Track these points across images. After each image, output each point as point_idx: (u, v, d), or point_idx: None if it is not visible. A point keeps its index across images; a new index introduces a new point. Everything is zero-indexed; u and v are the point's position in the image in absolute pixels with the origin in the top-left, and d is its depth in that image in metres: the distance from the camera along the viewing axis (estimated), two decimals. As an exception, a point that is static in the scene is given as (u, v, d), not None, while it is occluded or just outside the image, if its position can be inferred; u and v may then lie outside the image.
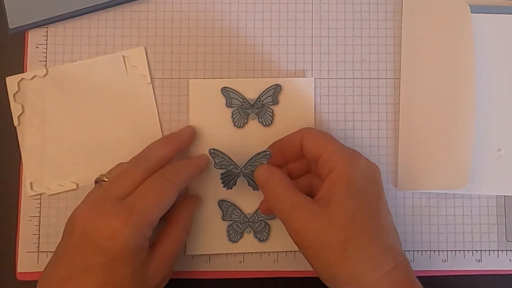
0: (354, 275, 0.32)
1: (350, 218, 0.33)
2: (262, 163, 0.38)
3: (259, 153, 0.38)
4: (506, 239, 0.41)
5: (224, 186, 0.39)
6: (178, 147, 0.38)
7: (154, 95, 0.41)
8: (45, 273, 0.33)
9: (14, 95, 0.41)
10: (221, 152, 0.38)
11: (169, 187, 0.35)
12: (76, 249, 0.32)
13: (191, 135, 0.40)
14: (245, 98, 0.41)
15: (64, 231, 0.34)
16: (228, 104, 0.41)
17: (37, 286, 0.33)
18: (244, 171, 0.38)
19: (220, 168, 0.39)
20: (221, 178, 0.39)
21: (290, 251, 0.40)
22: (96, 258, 0.32)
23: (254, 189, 0.39)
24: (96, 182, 0.36)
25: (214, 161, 0.38)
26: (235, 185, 0.39)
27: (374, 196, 0.35)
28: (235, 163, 0.39)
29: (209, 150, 0.38)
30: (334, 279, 0.34)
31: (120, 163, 0.38)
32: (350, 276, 0.33)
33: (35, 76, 0.41)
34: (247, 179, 0.39)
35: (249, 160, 0.38)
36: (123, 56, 0.41)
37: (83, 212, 0.33)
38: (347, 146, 0.37)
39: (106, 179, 0.36)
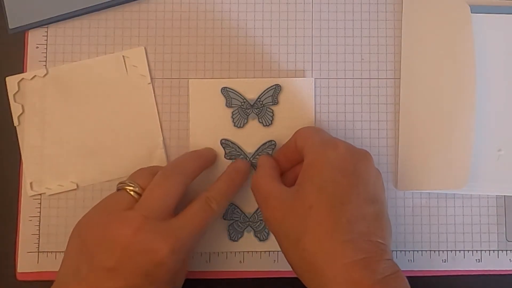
0: (309, 267, 0.32)
1: (309, 209, 0.33)
2: (268, 153, 0.40)
3: (265, 143, 0.40)
4: (506, 239, 0.41)
5: None
6: (205, 164, 0.39)
7: (154, 95, 0.41)
8: (72, 286, 0.32)
9: (14, 95, 0.41)
10: (231, 142, 0.40)
11: (213, 217, 0.36)
12: (117, 267, 0.32)
13: (214, 156, 0.40)
14: (245, 98, 0.41)
15: (91, 244, 0.33)
16: (228, 104, 0.41)
17: None
18: (253, 161, 0.40)
19: (230, 159, 0.40)
20: None
21: (290, 251, 0.40)
22: (139, 280, 0.32)
23: None
24: (120, 189, 0.35)
25: (225, 151, 0.40)
26: None
27: (345, 185, 0.33)
28: (244, 153, 0.40)
29: (220, 141, 0.40)
30: (294, 268, 0.34)
31: (142, 170, 0.37)
32: (306, 267, 0.33)
33: (35, 76, 0.41)
34: (255, 169, 0.40)
35: (257, 150, 0.40)
36: (123, 56, 0.41)
37: (127, 231, 0.32)
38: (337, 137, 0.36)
39: (135, 189, 0.35)
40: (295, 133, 0.38)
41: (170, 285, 0.34)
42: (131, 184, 0.35)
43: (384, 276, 0.31)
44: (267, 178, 0.36)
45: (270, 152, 0.40)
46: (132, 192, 0.35)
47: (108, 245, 0.32)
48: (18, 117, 0.41)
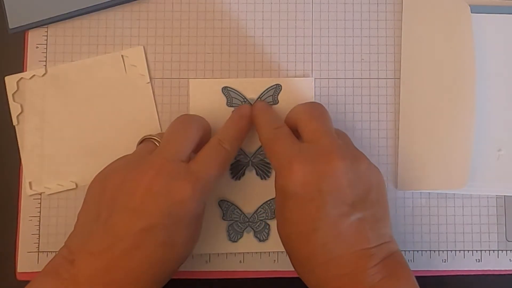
0: (303, 278, 0.35)
1: (288, 236, 0.34)
2: None
3: None
4: (506, 239, 0.41)
5: (233, 178, 0.40)
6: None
7: (154, 95, 0.41)
8: (92, 230, 0.32)
9: (13, 94, 0.41)
10: None
11: (227, 157, 0.36)
12: (139, 207, 0.32)
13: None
14: (245, 98, 0.41)
15: (112, 189, 0.33)
16: (229, 104, 0.41)
17: (76, 239, 0.33)
18: (253, 160, 0.40)
19: None
20: (229, 169, 0.40)
21: (290, 251, 0.40)
22: (161, 220, 0.32)
23: (262, 178, 0.40)
24: (142, 141, 0.37)
25: None
26: (243, 175, 0.40)
27: (312, 211, 0.32)
28: (244, 152, 0.40)
29: None
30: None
31: (161, 133, 0.38)
32: (300, 276, 0.35)
33: (34, 75, 0.41)
34: (255, 168, 0.40)
35: (258, 149, 0.40)
36: (122, 55, 0.41)
37: (148, 173, 0.32)
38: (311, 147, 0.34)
39: (158, 138, 0.36)
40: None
41: (192, 228, 0.34)
42: (154, 135, 0.36)
43: (372, 285, 0.31)
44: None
45: None
46: (155, 141, 0.36)
47: (130, 188, 0.32)
48: (17, 116, 0.41)
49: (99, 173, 0.35)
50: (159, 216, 0.32)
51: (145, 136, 0.37)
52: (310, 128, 0.35)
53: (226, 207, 0.40)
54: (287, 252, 0.35)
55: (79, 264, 0.31)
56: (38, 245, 0.40)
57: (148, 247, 0.31)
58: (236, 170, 0.40)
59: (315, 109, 0.37)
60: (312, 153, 0.33)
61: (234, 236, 0.40)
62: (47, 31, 0.42)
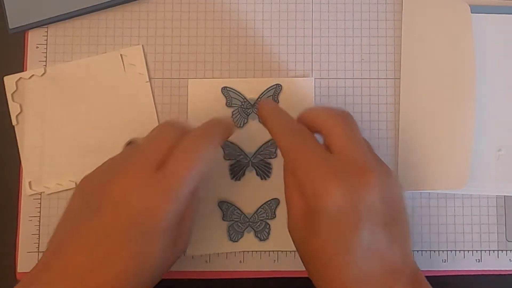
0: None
1: (309, 253, 0.33)
2: (271, 151, 0.40)
3: (268, 141, 0.40)
4: (506, 239, 0.41)
5: (232, 178, 0.40)
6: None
7: (153, 94, 0.41)
8: (66, 238, 0.32)
9: (12, 94, 0.41)
10: (230, 143, 0.40)
11: (206, 156, 0.33)
12: (110, 218, 0.31)
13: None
14: (245, 98, 0.41)
15: (84, 196, 0.32)
16: (228, 104, 0.41)
17: (52, 253, 0.32)
18: (253, 161, 0.40)
19: (229, 159, 0.40)
20: (229, 170, 0.40)
21: (290, 251, 0.40)
22: (132, 230, 0.31)
23: (262, 179, 0.40)
24: (128, 144, 0.36)
25: (224, 152, 0.40)
26: (243, 175, 0.40)
27: (348, 230, 0.31)
28: (244, 152, 0.40)
29: None
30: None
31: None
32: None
33: (33, 75, 0.41)
34: (255, 168, 0.40)
35: (258, 149, 0.40)
36: (120, 54, 0.41)
37: (120, 181, 0.31)
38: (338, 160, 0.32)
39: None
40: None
41: (168, 237, 0.32)
42: (139, 138, 0.35)
43: None
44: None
45: (273, 150, 0.40)
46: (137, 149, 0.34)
47: (101, 197, 0.32)
48: (17, 116, 0.41)
49: (84, 177, 0.34)
50: (130, 228, 0.31)
51: (130, 140, 0.36)
52: (340, 136, 0.33)
53: (226, 207, 0.40)
54: (302, 260, 0.34)
55: (53, 276, 0.30)
56: (38, 245, 0.40)
57: (119, 258, 0.31)
58: (236, 170, 0.40)
59: (346, 117, 0.35)
60: (346, 168, 0.32)
61: (234, 236, 0.40)
62: (47, 31, 0.42)
